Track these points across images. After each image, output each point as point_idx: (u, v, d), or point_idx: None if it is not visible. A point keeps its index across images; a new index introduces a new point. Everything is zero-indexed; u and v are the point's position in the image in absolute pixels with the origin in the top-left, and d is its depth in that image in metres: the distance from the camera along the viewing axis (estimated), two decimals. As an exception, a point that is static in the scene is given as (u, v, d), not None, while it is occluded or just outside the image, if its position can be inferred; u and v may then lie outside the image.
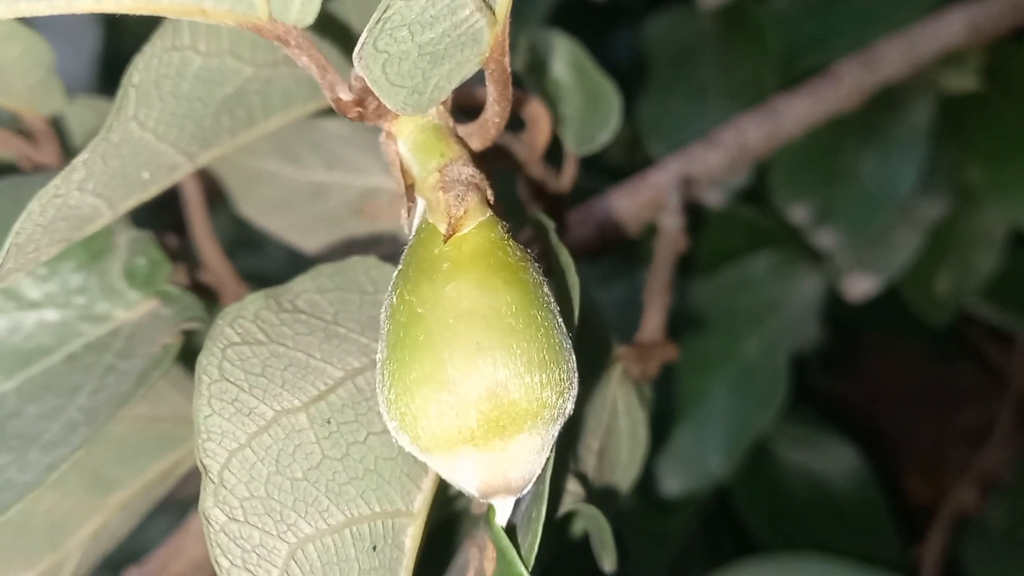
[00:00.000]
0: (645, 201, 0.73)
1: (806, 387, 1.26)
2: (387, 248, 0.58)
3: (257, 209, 0.56)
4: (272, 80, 0.41)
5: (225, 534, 0.30)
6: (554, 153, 0.55)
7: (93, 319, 0.44)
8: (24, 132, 0.49)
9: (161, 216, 0.55)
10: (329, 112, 0.48)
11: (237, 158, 0.55)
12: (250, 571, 0.31)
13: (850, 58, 0.86)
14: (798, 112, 0.82)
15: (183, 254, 0.50)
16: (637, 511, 1.03)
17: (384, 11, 0.30)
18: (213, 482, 0.31)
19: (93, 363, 0.43)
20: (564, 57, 0.57)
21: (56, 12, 0.29)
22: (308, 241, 0.56)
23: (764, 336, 0.99)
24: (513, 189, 0.57)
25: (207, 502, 0.31)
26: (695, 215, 0.86)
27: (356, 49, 0.31)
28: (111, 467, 0.49)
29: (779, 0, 1.07)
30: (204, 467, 0.31)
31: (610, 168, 1.02)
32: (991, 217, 1.00)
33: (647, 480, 0.96)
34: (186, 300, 0.45)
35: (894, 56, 0.87)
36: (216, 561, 0.30)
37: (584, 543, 0.52)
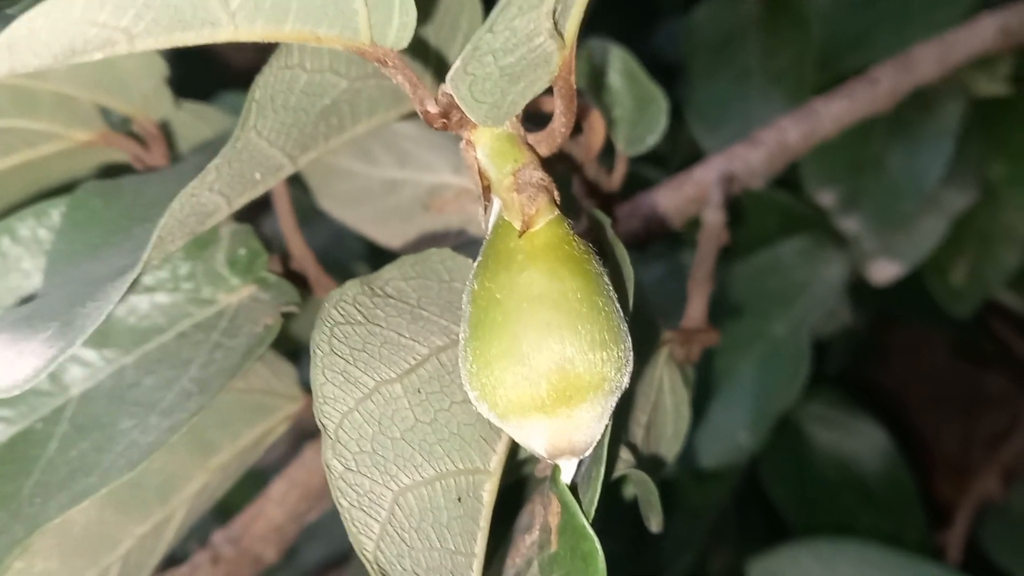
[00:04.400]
0: (689, 196, 0.78)
1: (838, 373, 1.30)
2: (453, 240, 0.63)
3: (335, 203, 0.61)
4: (361, 91, 0.47)
5: (343, 480, 0.36)
6: (606, 151, 0.60)
7: (200, 302, 0.49)
8: (136, 135, 0.55)
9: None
10: (402, 116, 0.54)
11: (320, 157, 0.60)
12: (364, 511, 0.36)
13: (886, 62, 0.89)
14: (835, 113, 0.86)
15: (275, 244, 0.55)
16: (671, 486, 1.07)
17: (475, 41, 0.35)
18: (331, 438, 0.37)
19: (201, 340, 0.48)
20: (618, 66, 0.62)
21: (202, 42, 0.34)
22: (381, 232, 0.61)
23: (792, 317, 1.02)
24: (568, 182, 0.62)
25: (327, 454, 0.37)
26: (735, 204, 0.90)
27: (450, 73, 0.36)
28: (212, 432, 0.54)
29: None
30: (323, 425, 0.37)
31: (653, 154, 1.06)
32: (1014, 213, 1.04)
33: (683, 454, 1.00)
34: (283, 286, 0.50)
35: (929, 60, 0.90)
36: (338, 501, 0.36)
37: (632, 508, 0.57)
